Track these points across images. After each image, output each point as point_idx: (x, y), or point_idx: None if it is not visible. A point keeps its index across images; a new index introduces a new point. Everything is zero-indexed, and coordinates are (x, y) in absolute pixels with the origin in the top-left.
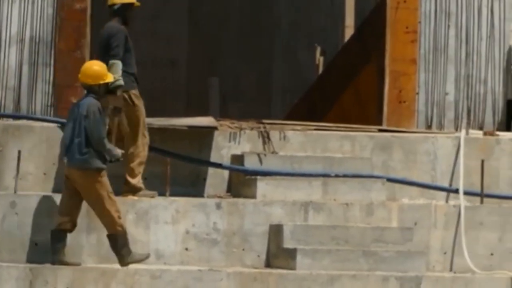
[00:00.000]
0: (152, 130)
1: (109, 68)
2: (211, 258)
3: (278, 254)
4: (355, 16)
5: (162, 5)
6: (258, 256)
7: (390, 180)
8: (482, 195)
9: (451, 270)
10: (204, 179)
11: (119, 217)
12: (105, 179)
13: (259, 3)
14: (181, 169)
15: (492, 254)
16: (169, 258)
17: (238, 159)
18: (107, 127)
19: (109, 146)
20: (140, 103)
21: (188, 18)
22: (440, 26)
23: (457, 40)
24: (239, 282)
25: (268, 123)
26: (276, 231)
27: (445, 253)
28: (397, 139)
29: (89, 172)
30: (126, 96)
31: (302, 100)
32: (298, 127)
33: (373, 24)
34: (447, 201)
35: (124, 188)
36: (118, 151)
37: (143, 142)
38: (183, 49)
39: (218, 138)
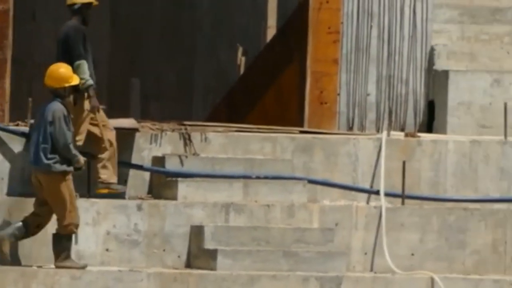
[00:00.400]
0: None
1: (75, 69)
2: (132, 258)
3: (199, 255)
4: (278, 17)
5: None
6: (179, 257)
7: (311, 181)
8: (403, 196)
9: (371, 270)
10: (125, 181)
11: (76, 226)
12: (70, 182)
13: (181, 3)
14: None
15: (412, 255)
16: (90, 259)
17: (159, 160)
18: (71, 132)
19: (75, 152)
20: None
21: (110, 18)
22: (363, 27)
23: (379, 40)
24: (159, 283)
25: (190, 125)
26: (197, 232)
27: (365, 253)
28: (319, 140)
29: (54, 175)
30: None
31: (223, 101)
32: (220, 129)
33: (295, 24)
34: (368, 203)
35: None
36: (82, 159)
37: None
38: (104, 49)
39: (140, 140)
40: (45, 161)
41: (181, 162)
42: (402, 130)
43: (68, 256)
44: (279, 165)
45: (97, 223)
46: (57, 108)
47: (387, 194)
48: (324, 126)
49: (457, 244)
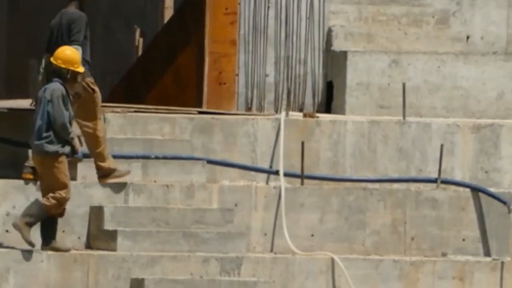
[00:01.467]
0: None
1: None
2: (32, 239)
3: (99, 236)
4: None
5: None
6: (79, 237)
7: (210, 162)
8: (302, 176)
9: (271, 251)
10: (24, 161)
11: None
12: (62, 165)
13: None
14: (1, 151)
15: (312, 235)
16: None
17: None
18: (71, 113)
19: (71, 132)
20: (97, 89)
21: (8, 2)
22: (260, 7)
23: (276, 21)
24: (59, 264)
25: None
26: (96, 213)
27: (265, 234)
28: (217, 121)
29: (46, 156)
30: (84, 84)
31: (122, 82)
32: (118, 109)
33: (192, 5)
34: (267, 183)
35: (98, 175)
36: (77, 142)
37: (102, 126)
38: (2, 32)
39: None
40: (37, 142)
41: (80, 143)
42: (301, 110)
43: (54, 238)
44: (178, 146)
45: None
46: (56, 87)
47: (286, 174)
48: (223, 106)
49: (357, 224)
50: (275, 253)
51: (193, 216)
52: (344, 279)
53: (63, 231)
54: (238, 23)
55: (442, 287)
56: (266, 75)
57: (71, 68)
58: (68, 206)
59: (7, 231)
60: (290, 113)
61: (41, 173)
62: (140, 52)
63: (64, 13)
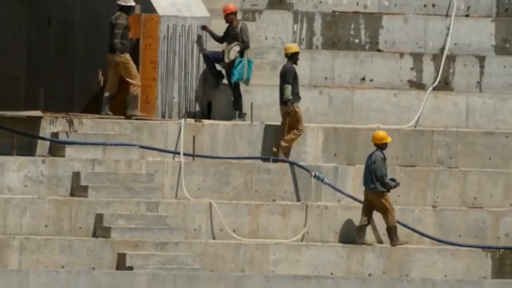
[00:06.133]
0: (6, 118)
1: (284, 89)
2: (39, 190)
3: (78, 189)
4: None
5: None
6: (66, 189)
7: (141, 147)
8: (193, 155)
9: (176, 198)
10: (35, 146)
11: (393, 215)
12: (387, 196)
13: (66, 44)
14: (23, 141)
15: (199, 189)
16: (15, 191)
17: (55, 135)
18: (386, 168)
19: (387, 180)
20: (299, 110)
21: (26, 45)
22: (170, 58)
23: (180, 66)
24: (55, 205)
25: (72, 115)
26: (76, 176)
27: (172, 188)
28: (145, 124)
29: (376, 193)
30: (293, 107)
31: (91, 101)
32: (89, 116)
33: (132, 57)
34: (173, 159)
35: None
36: (392, 183)
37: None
38: (22, 69)
39: (44, 123)
40: (371, 185)
41: (67, 135)
42: (193, 117)
43: (397, 238)
44: (123, 137)
45: (19, 170)
46: (378, 154)
47: (184, 154)
48: (149, 115)
49: (224, 183)
50: (178, 199)
51: (131, 178)
52: (217, 214)
53: (57, 186)
54: (157, 68)
55: (273, 220)
56: (173, 98)
57: (383, 141)
58: (61, 172)
59: (25, 186)
60: (187, 119)
61: (374, 201)
62: (101, 85)
63: (284, 67)
